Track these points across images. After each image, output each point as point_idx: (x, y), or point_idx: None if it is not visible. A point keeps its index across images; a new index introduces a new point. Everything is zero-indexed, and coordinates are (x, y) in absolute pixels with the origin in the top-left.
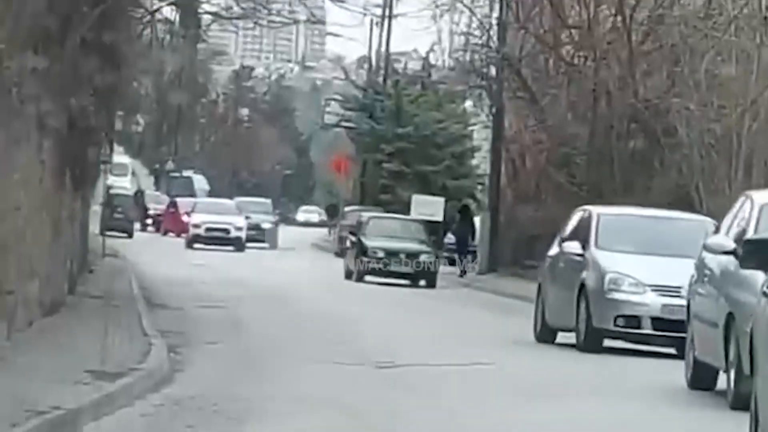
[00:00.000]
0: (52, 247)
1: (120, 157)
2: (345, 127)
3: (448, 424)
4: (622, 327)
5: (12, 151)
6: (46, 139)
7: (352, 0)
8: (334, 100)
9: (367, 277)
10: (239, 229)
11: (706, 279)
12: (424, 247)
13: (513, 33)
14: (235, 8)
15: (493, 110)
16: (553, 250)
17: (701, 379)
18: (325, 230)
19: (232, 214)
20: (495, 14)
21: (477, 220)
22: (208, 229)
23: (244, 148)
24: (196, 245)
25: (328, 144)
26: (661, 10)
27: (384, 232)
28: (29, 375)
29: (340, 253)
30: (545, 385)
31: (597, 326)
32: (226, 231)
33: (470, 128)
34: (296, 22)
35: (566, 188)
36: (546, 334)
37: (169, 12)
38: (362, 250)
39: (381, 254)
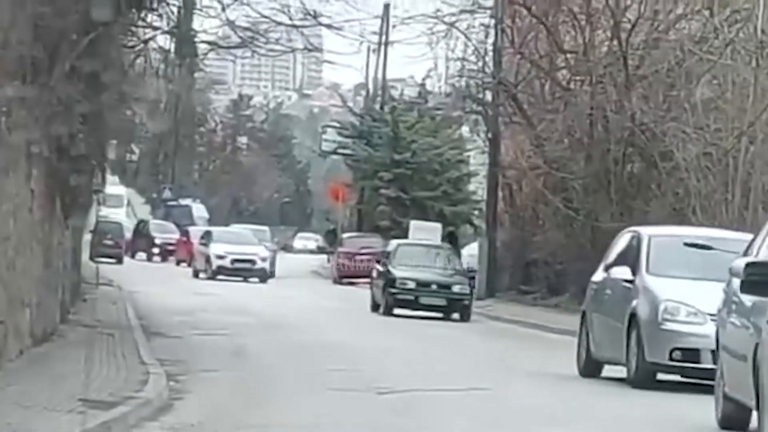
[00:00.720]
0: (42, 276)
1: (115, 187)
2: (342, 155)
3: None
4: (679, 361)
5: (1, 181)
6: (36, 167)
7: (348, 28)
8: (331, 127)
9: (396, 310)
10: (264, 259)
11: (734, 306)
12: (457, 278)
13: (509, 58)
14: (233, 37)
15: (490, 136)
16: (598, 276)
17: (732, 418)
18: (323, 257)
19: (253, 244)
20: (490, 40)
21: (475, 245)
22: (234, 261)
23: (243, 177)
24: (220, 276)
25: (325, 171)
26: (656, 34)
27: (414, 260)
28: (21, 404)
29: (338, 280)
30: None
31: (650, 360)
32: (252, 262)
33: (467, 154)
34: (294, 50)
35: (563, 213)
36: (591, 368)
37: (164, 41)
38: (390, 281)
39: (411, 285)
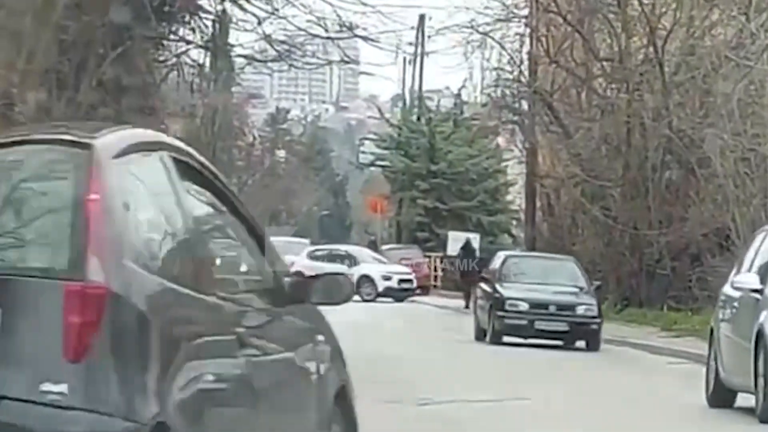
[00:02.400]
0: None
1: None
2: (380, 166)
3: None
4: None
5: None
6: None
7: (385, 39)
8: (369, 139)
9: (507, 338)
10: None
11: (734, 309)
12: (581, 297)
13: (544, 67)
14: (270, 51)
15: (527, 145)
16: (728, 286)
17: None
18: None
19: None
20: (526, 49)
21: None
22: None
23: (282, 190)
24: None
25: (363, 183)
26: (692, 40)
27: (527, 276)
28: None
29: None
30: None
31: None
32: None
33: (504, 163)
34: (330, 63)
35: (601, 221)
36: (721, 397)
37: (198, 55)
38: (498, 303)
39: (524, 307)
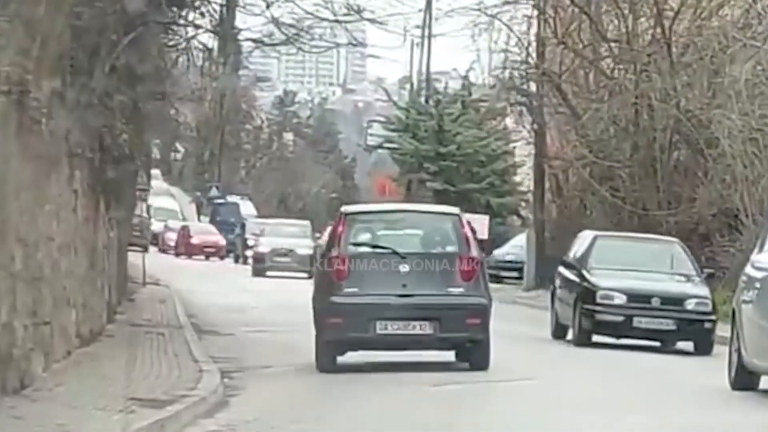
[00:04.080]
0: (88, 276)
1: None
2: (388, 149)
3: None
4: None
5: (43, 182)
6: (78, 168)
7: (392, 22)
8: (377, 122)
9: (596, 336)
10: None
11: (756, 290)
12: (691, 287)
13: (552, 49)
14: (277, 34)
15: (535, 126)
16: (749, 266)
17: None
18: None
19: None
20: (533, 30)
21: (522, 236)
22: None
23: (290, 173)
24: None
25: (371, 165)
26: (699, 21)
27: (622, 262)
28: (70, 405)
29: None
30: None
31: None
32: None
33: (512, 145)
34: (338, 46)
35: (610, 202)
36: (743, 380)
37: (207, 39)
38: (588, 295)
39: (620, 300)
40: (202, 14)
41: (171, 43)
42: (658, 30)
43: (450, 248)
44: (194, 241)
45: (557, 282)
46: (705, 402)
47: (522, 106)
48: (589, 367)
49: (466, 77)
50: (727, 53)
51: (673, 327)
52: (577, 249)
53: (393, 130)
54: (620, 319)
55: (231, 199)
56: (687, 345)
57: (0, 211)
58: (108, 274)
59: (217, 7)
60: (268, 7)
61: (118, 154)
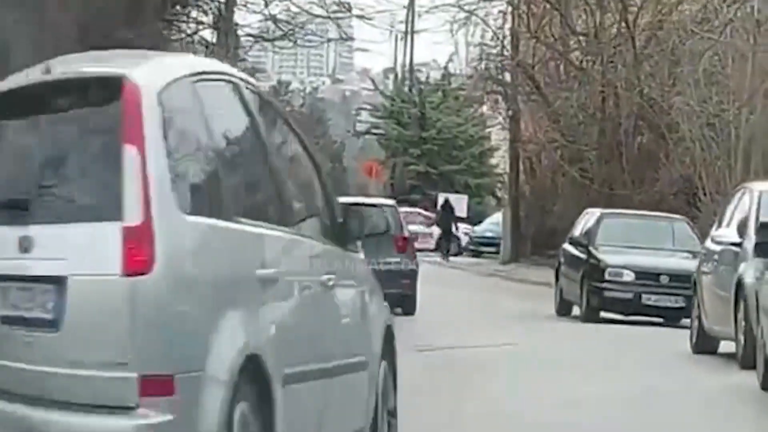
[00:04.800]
0: None
1: None
2: (375, 134)
3: None
4: None
5: None
6: None
7: (378, 18)
8: (364, 109)
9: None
10: None
11: (715, 262)
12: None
13: (525, 42)
14: (274, 29)
15: (510, 113)
16: (709, 240)
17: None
18: None
19: None
20: (508, 25)
21: (499, 215)
22: None
23: None
24: None
25: (358, 150)
26: (660, 16)
27: (630, 239)
28: None
29: None
30: None
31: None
32: None
33: (488, 130)
34: (330, 40)
35: (579, 182)
36: (704, 344)
37: (208, 34)
38: (596, 271)
39: (629, 277)
40: (205, 12)
41: (174, 38)
42: (623, 24)
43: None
44: None
45: (562, 259)
46: (668, 364)
47: (498, 95)
48: (573, 337)
49: (446, 68)
50: (686, 45)
51: (683, 304)
52: (582, 226)
53: (379, 117)
54: (629, 296)
55: None
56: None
57: None
58: None
59: (218, 4)
60: (266, 5)
61: None
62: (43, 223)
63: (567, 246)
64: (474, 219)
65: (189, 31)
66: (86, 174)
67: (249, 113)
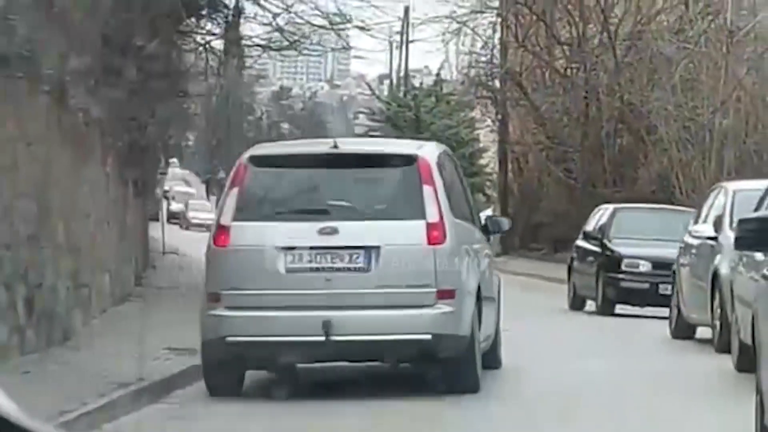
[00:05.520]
0: (119, 246)
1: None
2: (373, 137)
3: None
4: None
5: (80, 167)
6: (110, 155)
7: (376, 28)
8: (362, 113)
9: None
10: None
11: (693, 255)
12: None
13: (513, 51)
14: (279, 38)
15: (499, 117)
16: (687, 235)
17: (684, 331)
18: None
19: None
20: (497, 35)
21: (489, 211)
22: None
23: None
24: None
25: None
26: (639, 26)
27: (644, 231)
28: (109, 354)
29: None
30: None
31: (730, 323)
32: None
33: (477, 132)
34: (333, 50)
35: (564, 181)
36: (683, 330)
37: (218, 44)
38: (612, 263)
39: (645, 267)
40: (218, 23)
41: (188, 48)
42: (605, 34)
43: None
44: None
45: (575, 254)
46: (648, 348)
47: (487, 100)
48: (562, 323)
49: (438, 75)
50: (664, 54)
51: None
52: (596, 222)
53: (377, 121)
54: (646, 286)
55: None
56: None
57: (44, 192)
58: (134, 245)
59: (226, 17)
60: (274, 18)
61: (145, 143)
62: (360, 220)
63: (580, 242)
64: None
65: (202, 42)
66: (399, 198)
67: (456, 168)
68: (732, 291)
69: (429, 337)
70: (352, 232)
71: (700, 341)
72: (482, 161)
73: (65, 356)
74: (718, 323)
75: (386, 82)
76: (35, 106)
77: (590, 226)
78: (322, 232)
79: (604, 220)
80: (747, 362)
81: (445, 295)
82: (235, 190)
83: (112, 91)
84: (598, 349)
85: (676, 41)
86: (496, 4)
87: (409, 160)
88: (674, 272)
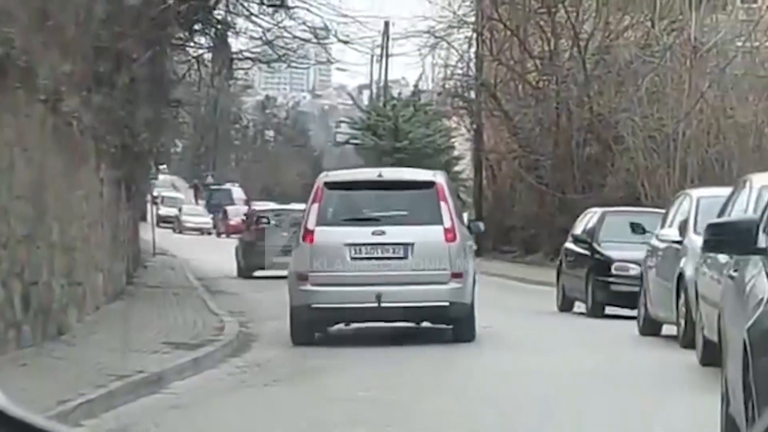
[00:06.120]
0: (111, 246)
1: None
2: (353, 144)
3: None
4: None
5: (75, 172)
6: (104, 161)
7: (361, 42)
8: (344, 122)
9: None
10: None
11: (659, 257)
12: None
13: (488, 64)
14: (269, 52)
15: (474, 127)
16: (654, 239)
17: (651, 328)
18: None
19: None
20: (473, 49)
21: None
22: None
23: (271, 164)
24: None
25: (336, 158)
26: (608, 41)
27: (630, 235)
28: (106, 348)
29: None
30: None
31: (695, 321)
32: None
33: (452, 140)
34: (319, 63)
35: (536, 187)
36: (650, 327)
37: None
38: (602, 266)
39: (635, 271)
40: (209, 36)
41: (181, 60)
42: (575, 49)
43: None
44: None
45: (564, 257)
46: (618, 344)
47: (463, 110)
48: (539, 321)
49: (416, 86)
50: (631, 68)
51: None
52: (585, 225)
53: (357, 129)
54: (636, 289)
55: (224, 186)
56: None
57: (40, 195)
58: (126, 246)
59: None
60: (264, 34)
61: (138, 150)
62: (400, 225)
63: (569, 245)
64: None
65: (194, 54)
66: (425, 210)
67: (454, 187)
68: (696, 291)
69: (447, 303)
70: (394, 233)
71: (666, 338)
72: (458, 168)
73: (61, 350)
74: (683, 321)
75: (366, 92)
76: (32, 114)
77: (579, 230)
78: (374, 233)
79: (592, 223)
80: (710, 357)
81: (456, 275)
82: (316, 205)
83: (104, 99)
84: (572, 344)
85: (643, 56)
86: (472, 19)
87: (430, 184)
88: (641, 273)
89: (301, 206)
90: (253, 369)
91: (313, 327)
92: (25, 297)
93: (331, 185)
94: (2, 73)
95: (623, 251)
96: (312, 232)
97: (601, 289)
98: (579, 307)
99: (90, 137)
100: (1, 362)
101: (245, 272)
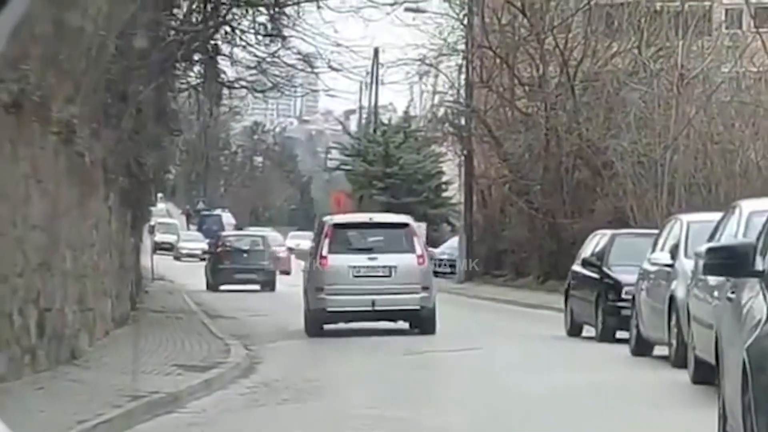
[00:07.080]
0: (119, 273)
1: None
2: (344, 170)
3: None
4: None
5: (86, 202)
6: (112, 191)
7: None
8: (334, 148)
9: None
10: None
11: (651, 280)
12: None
13: (478, 91)
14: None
15: (465, 152)
16: (646, 262)
17: (642, 348)
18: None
19: None
20: (463, 76)
21: (455, 239)
22: None
23: (259, 189)
24: None
25: (325, 183)
26: (596, 69)
27: (640, 258)
28: (119, 371)
29: None
30: None
31: (686, 341)
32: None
33: (442, 166)
34: (313, 91)
35: (526, 212)
36: (641, 347)
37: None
38: (613, 290)
39: None
40: (206, 66)
41: (180, 89)
42: (564, 76)
43: None
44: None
45: (572, 281)
46: (612, 363)
47: (453, 136)
48: (527, 341)
49: (406, 112)
50: (620, 95)
51: None
52: (593, 248)
53: (348, 155)
54: None
55: (215, 211)
56: None
57: (54, 224)
58: (131, 272)
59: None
60: (259, 63)
61: (143, 179)
62: (386, 253)
63: (577, 267)
64: (430, 244)
65: (193, 83)
66: (403, 243)
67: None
68: (688, 312)
69: (419, 308)
70: (382, 258)
71: (658, 358)
72: (447, 193)
73: (75, 373)
74: (674, 341)
75: (352, 117)
76: (46, 147)
77: (587, 252)
78: (369, 258)
79: (601, 246)
80: (702, 375)
81: (425, 288)
82: (327, 239)
83: (113, 132)
84: (565, 365)
85: (631, 83)
86: (462, 47)
87: (405, 225)
88: (633, 296)
89: (263, 231)
90: (263, 389)
91: (325, 323)
92: (40, 323)
93: (337, 225)
94: (18, 108)
95: (634, 275)
96: (326, 257)
97: (611, 314)
98: (588, 331)
99: (100, 167)
100: (17, 386)
101: (213, 287)
